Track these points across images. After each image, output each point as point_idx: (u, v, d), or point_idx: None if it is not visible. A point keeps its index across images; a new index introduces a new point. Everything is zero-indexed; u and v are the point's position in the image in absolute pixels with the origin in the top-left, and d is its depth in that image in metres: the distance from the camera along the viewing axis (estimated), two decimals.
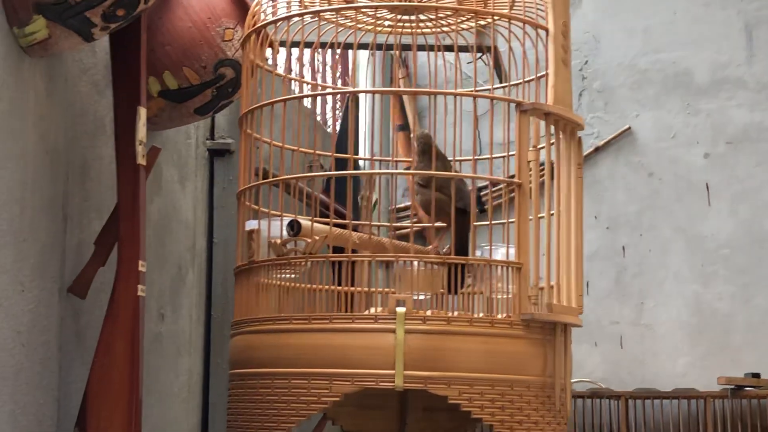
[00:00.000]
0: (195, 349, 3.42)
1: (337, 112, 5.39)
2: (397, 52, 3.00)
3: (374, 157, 4.13)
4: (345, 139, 4.28)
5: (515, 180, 2.35)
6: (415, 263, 2.51)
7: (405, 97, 5.57)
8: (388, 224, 3.13)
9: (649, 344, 5.91)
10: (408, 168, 3.22)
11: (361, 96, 4.74)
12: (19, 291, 2.35)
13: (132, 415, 2.41)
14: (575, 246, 2.43)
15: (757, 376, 5.34)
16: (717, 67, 6.08)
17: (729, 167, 5.97)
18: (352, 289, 2.50)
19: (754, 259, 5.82)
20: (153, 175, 3.08)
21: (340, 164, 3.36)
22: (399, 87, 5.23)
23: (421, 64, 5.53)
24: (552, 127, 2.42)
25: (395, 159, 3.94)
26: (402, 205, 5.71)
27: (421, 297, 2.50)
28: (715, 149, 6.01)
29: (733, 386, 5.28)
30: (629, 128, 6.13)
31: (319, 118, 5.06)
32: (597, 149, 6.12)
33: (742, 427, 5.32)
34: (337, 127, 5.14)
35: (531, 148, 2.34)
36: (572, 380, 5.67)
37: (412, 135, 5.30)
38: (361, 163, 4.45)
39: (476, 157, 2.56)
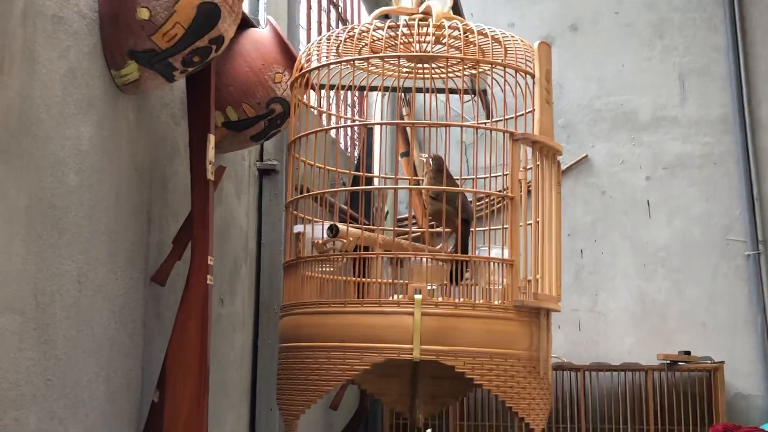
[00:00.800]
0: (246, 328, 3.40)
1: (355, 141, 5.37)
2: (402, 94, 2.98)
3: (383, 176, 4.13)
4: (363, 161, 4.27)
5: (509, 194, 2.35)
6: (425, 260, 2.52)
7: (407, 129, 5.56)
8: (392, 228, 3.11)
9: (602, 327, 5.90)
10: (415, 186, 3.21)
11: (376, 128, 4.73)
12: (114, 279, 2.34)
13: (201, 380, 2.39)
14: (555, 247, 2.43)
15: (688, 353, 5.34)
16: (656, 108, 6.09)
17: (666, 187, 5.97)
18: (377, 280, 2.49)
19: (686, 261, 5.82)
20: (216, 191, 3.08)
21: (362, 182, 3.36)
22: (406, 122, 5.21)
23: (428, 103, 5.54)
24: (537, 153, 2.41)
25: (398, 177, 3.92)
26: (403, 216, 5.70)
27: (431, 287, 2.50)
28: (655, 173, 6.01)
29: (669, 361, 5.28)
30: (586, 156, 6.13)
31: (342, 145, 5.05)
32: (561, 172, 6.10)
33: (675, 394, 5.31)
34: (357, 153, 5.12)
35: (521, 169, 2.34)
36: None
37: (416, 159, 5.30)
38: (376, 180, 4.44)
39: (477, 177, 2.56)
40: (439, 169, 2.56)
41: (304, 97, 2.69)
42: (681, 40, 6.10)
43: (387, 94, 4.40)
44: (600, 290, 5.96)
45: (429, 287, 2.46)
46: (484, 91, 3.35)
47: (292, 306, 2.41)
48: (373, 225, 2.93)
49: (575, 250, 6.03)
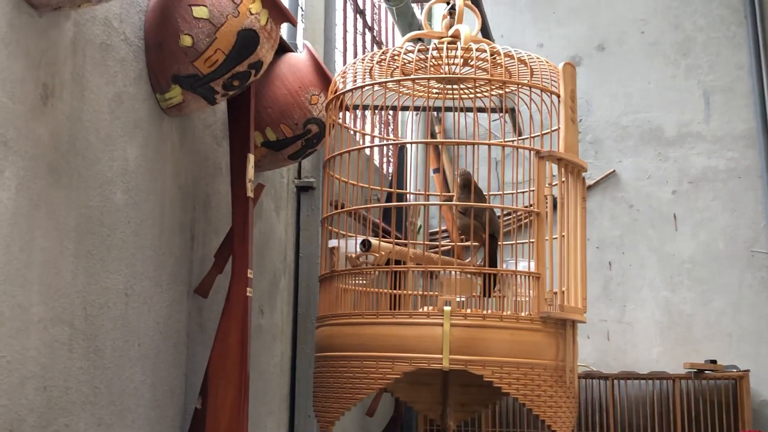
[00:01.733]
0: (285, 337, 3.42)
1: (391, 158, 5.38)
2: (434, 113, 2.98)
3: (416, 192, 4.13)
4: (395, 178, 4.28)
5: (535, 209, 2.34)
6: (454, 273, 2.52)
7: (439, 147, 5.56)
8: (424, 242, 3.11)
9: (630, 337, 5.84)
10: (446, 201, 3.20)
11: (409, 146, 4.73)
12: (159, 292, 2.36)
13: (241, 387, 2.40)
14: (580, 260, 2.42)
15: (713, 362, 5.27)
16: (681, 124, 6.03)
17: (691, 201, 5.91)
18: (409, 292, 2.49)
19: (711, 272, 5.74)
20: (256, 207, 3.10)
21: (395, 198, 3.37)
22: (433, 140, 5.21)
23: (456, 121, 5.55)
24: (562, 170, 2.40)
25: (429, 194, 3.92)
26: (435, 229, 5.70)
27: (461, 299, 2.49)
28: (681, 187, 5.95)
29: (695, 370, 5.21)
30: (614, 171, 6.08)
31: (377, 162, 5.06)
32: (589, 187, 6.07)
33: (702, 402, 5.23)
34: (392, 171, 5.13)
35: (546, 185, 2.33)
36: None
37: (448, 175, 5.30)
38: (411, 197, 4.44)
39: (504, 192, 2.56)
40: (466, 184, 2.56)
41: (339, 117, 2.70)
42: (705, 58, 6.04)
43: (419, 113, 4.41)
44: (628, 301, 5.90)
45: (458, 299, 2.46)
46: (513, 110, 3.34)
47: (328, 317, 2.42)
48: (406, 239, 2.91)
49: (603, 263, 5.98)
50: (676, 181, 5.96)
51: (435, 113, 4.93)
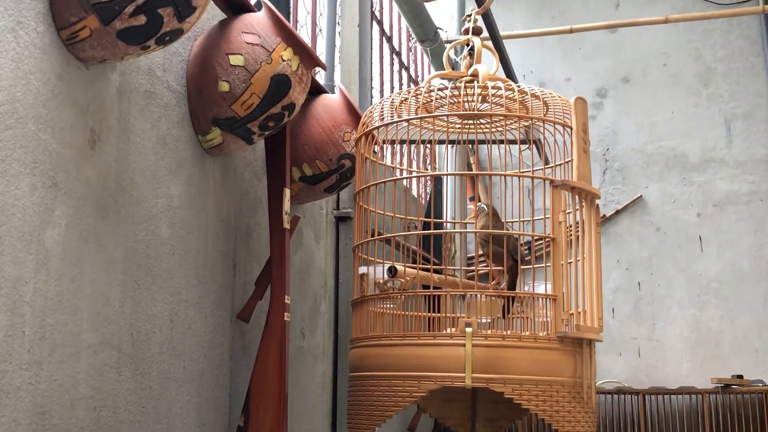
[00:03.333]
0: (326, 358, 3.43)
1: (428, 188, 5.39)
2: (470, 146, 2.99)
3: (452, 221, 4.13)
4: (431, 207, 4.29)
5: (551, 235, 2.33)
6: (479, 296, 2.52)
7: (475, 177, 5.56)
8: (460, 267, 3.11)
9: (660, 354, 5.75)
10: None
11: (445, 177, 4.74)
12: (203, 318, 2.40)
13: (281, 406, 2.42)
14: (596, 283, 2.38)
15: (740, 377, 5.17)
16: (705, 150, 5.96)
17: (716, 223, 5.82)
18: (434, 315, 2.49)
19: (737, 291, 5.65)
20: (296, 236, 3.13)
21: (430, 226, 3.38)
22: (471, 170, 5.22)
23: (486, 154, 5.55)
24: (576, 198, 2.39)
25: (464, 221, 3.92)
26: (471, 254, 5.68)
27: (485, 320, 2.49)
28: (705, 210, 5.87)
29: (723, 384, 5.11)
30: (641, 196, 6.02)
31: (415, 193, 5.07)
32: (617, 212, 6.02)
33: (730, 415, 5.12)
34: (427, 199, 5.15)
35: (561, 212, 2.32)
36: (602, 381, 5.56)
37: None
38: (449, 225, 4.44)
39: (522, 219, 2.56)
40: (492, 214, 2.55)
41: (368, 151, 2.72)
42: (725, 87, 5.98)
43: (455, 146, 4.41)
44: (657, 319, 5.82)
45: (484, 320, 2.45)
46: (536, 142, 3.33)
47: (359, 339, 2.43)
48: (442, 265, 2.92)
49: (633, 283, 5.91)
50: (700, 205, 5.89)
51: (470, 146, 4.94)
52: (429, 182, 5.17)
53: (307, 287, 3.25)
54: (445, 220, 4.52)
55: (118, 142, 2.04)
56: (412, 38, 5.52)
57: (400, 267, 2.43)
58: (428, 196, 5.04)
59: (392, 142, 2.69)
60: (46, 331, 1.73)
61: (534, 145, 3.38)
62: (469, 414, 2.79)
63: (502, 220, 2.60)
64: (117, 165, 2.03)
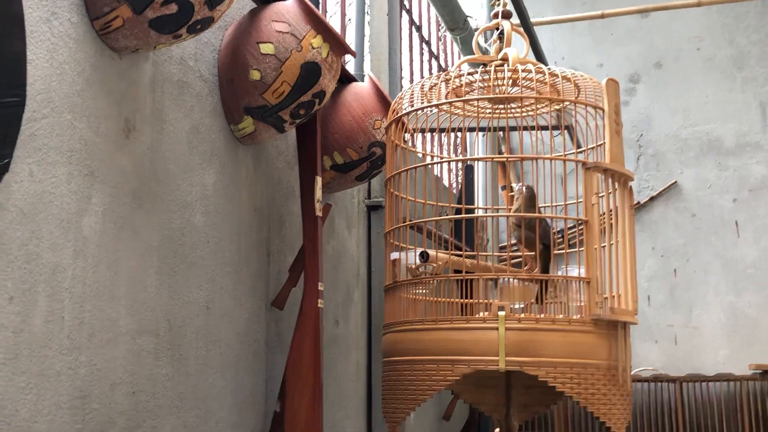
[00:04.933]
0: (360, 346, 3.45)
1: (459, 178, 5.39)
2: (500, 133, 2.97)
3: (484, 207, 4.12)
4: (463, 195, 4.28)
5: (584, 218, 2.32)
6: (513, 280, 2.51)
7: (507, 164, 5.54)
8: (492, 254, 3.10)
9: (697, 341, 5.70)
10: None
11: (476, 165, 4.72)
12: (238, 305, 2.42)
13: (315, 392, 2.44)
14: (630, 266, 2.36)
15: None
16: (740, 135, 5.89)
17: (752, 209, 5.75)
18: (467, 300, 2.49)
19: None
20: (329, 225, 3.15)
21: (461, 213, 3.37)
22: (502, 157, 5.19)
23: (518, 141, 5.51)
24: (609, 180, 2.37)
25: (496, 207, 3.91)
26: (504, 243, 5.66)
27: (519, 306, 2.48)
28: (741, 195, 5.81)
29: (760, 371, 5.06)
30: (676, 182, 5.97)
31: (446, 181, 5.07)
32: (652, 198, 5.97)
33: None
34: (458, 188, 5.14)
35: (594, 195, 2.31)
36: (638, 369, 5.52)
37: (510, 192, 5.28)
38: (479, 212, 4.43)
39: (555, 204, 2.55)
40: (527, 197, 2.54)
41: (403, 137, 2.72)
42: (760, 71, 5.90)
43: (485, 133, 4.40)
44: (694, 306, 5.77)
45: (518, 306, 2.44)
46: (567, 127, 3.32)
47: (392, 324, 2.43)
48: (474, 252, 2.91)
49: (669, 270, 5.87)
50: (736, 190, 5.82)
51: (500, 133, 4.93)
52: (460, 171, 5.16)
53: (339, 276, 3.27)
54: (476, 206, 4.50)
55: (152, 132, 2.06)
56: (442, 27, 5.51)
57: (432, 252, 2.43)
58: (459, 185, 5.03)
59: (422, 131, 2.69)
60: (85, 317, 1.76)
61: (566, 130, 3.36)
62: (503, 399, 2.77)
63: (538, 205, 2.58)
64: (151, 154, 2.05)
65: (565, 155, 2.60)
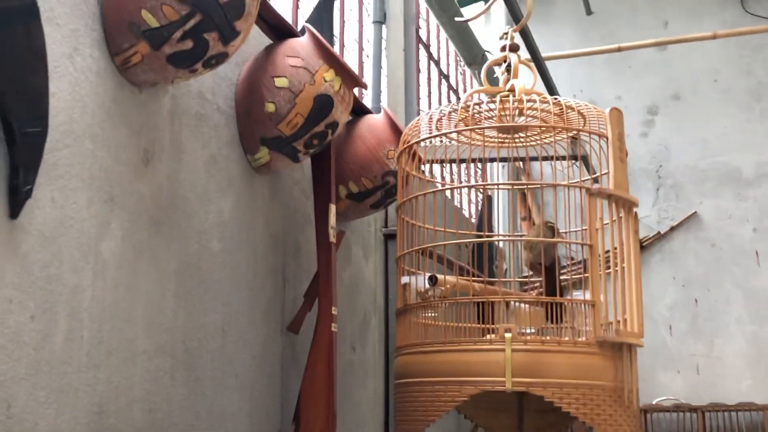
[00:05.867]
0: (378, 372, 3.49)
1: (478, 206, 5.43)
2: (519, 163, 3.01)
3: (503, 235, 4.15)
4: (483, 221, 4.32)
5: (588, 243, 2.36)
6: (523, 305, 2.56)
7: (528, 196, 5.59)
8: (510, 279, 3.13)
9: (719, 370, 5.66)
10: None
11: (495, 195, 4.76)
12: (254, 329, 2.48)
13: (329, 413, 2.48)
14: (635, 289, 2.39)
15: None
16: (759, 165, 5.90)
17: None
18: (475, 325, 2.52)
19: None
20: (345, 253, 3.21)
21: (483, 244, 3.41)
22: (519, 188, 5.25)
23: (538, 171, 5.55)
24: (614, 206, 2.41)
25: (512, 237, 3.94)
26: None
27: (529, 330, 2.51)
28: (761, 225, 5.80)
29: None
30: (695, 212, 5.98)
31: (467, 212, 5.11)
32: (672, 228, 5.98)
33: None
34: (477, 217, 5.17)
35: (598, 220, 2.35)
36: (661, 398, 5.48)
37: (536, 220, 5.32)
38: (501, 244, 4.47)
39: (570, 231, 2.59)
40: (543, 225, 2.58)
41: (419, 167, 2.78)
42: None
43: (505, 164, 4.44)
44: (716, 336, 5.74)
45: (528, 330, 2.48)
46: (584, 157, 3.36)
47: (403, 348, 2.48)
48: (487, 278, 2.94)
49: (690, 300, 5.85)
50: (756, 219, 5.82)
51: (520, 163, 4.98)
52: (481, 202, 5.20)
53: (356, 303, 3.32)
54: (497, 234, 4.53)
55: (170, 161, 2.15)
56: (461, 62, 5.60)
57: (440, 276, 2.48)
58: (479, 213, 5.06)
59: (440, 162, 2.74)
60: (104, 336, 1.84)
61: (580, 159, 3.41)
62: (516, 423, 2.81)
63: (559, 235, 2.62)
64: (169, 183, 2.13)
65: (582, 182, 2.65)
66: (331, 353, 2.53)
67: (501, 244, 4.10)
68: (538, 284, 2.93)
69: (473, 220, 5.23)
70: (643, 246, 5.79)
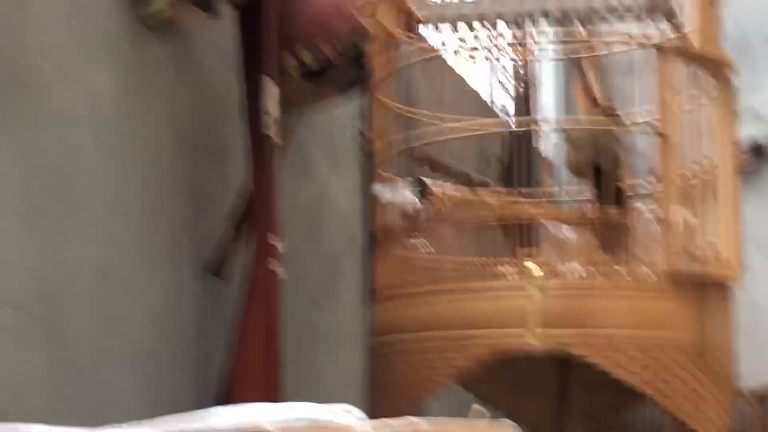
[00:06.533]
0: (356, 341, 3.41)
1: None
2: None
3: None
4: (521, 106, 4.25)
5: (658, 128, 2.32)
6: (567, 232, 2.53)
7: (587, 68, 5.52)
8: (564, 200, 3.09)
9: None
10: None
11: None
12: (152, 271, 2.44)
13: (271, 395, 2.44)
14: (731, 204, 2.36)
15: None
16: None
17: None
18: (486, 260, 2.51)
19: None
20: (302, 163, 3.17)
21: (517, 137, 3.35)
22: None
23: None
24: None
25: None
26: None
27: (578, 267, 2.49)
28: None
29: None
30: None
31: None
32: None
33: None
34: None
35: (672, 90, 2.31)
36: None
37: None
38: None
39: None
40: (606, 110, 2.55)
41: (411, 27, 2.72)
42: None
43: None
44: None
45: (574, 266, 2.46)
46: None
47: (382, 293, 2.48)
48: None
49: None
50: None
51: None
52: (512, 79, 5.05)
53: (321, 239, 3.29)
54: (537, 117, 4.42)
55: (10, 12, 2.07)
56: None
57: (430, 182, 2.42)
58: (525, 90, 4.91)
59: (451, 22, 2.68)
60: None
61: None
62: (555, 406, 2.80)
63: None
64: (9, 44, 2.06)
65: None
66: (272, 306, 2.50)
67: (545, 144, 3.99)
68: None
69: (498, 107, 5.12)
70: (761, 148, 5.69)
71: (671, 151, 2.31)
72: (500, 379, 2.67)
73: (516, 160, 3.59)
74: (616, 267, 2.45)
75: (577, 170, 2.53)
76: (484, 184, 3.33)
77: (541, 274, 2.23)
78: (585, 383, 2.77)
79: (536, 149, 4.25)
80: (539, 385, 2.81)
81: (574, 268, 2.48)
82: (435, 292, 2.33)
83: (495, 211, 2.55)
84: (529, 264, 2.22)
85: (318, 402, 3.07)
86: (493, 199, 2.63)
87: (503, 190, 3.31)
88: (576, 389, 2.79)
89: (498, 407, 2.82)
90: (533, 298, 2.19)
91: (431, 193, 2.42)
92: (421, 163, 3.02)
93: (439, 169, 2.91)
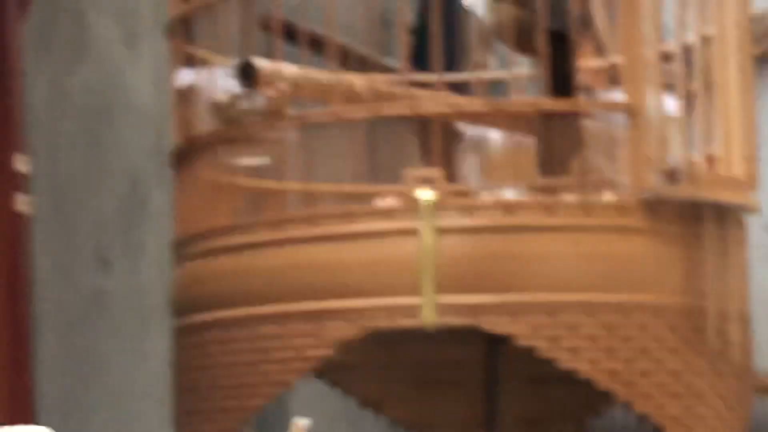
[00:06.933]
0: (162, 316, 3.43)
1: None
2: None
3: None
4: None
5: None
6: (494, 136, 2.55)
7: None
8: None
9: None
10: None
11: None
12: None
13: (19, 397, 2.49)
14: (740, 88, 2.35)
15: None
16: None
17: None
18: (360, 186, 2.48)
19: None
20: (76, 35, 3.17)
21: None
22: None
23: None
24: None
25: None
26: None
27: (509, 190, 2.53)
28: None
29: None
30: None
31: None
32: None
33: None
34: None
35: None
36: None
37: None
38: None
39: None
40: None
41: None
42: None
43: None
44: None
45: (500, 190, 2.50)
46: None
47: (189, 240, 2.44)
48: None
49: None
50: None
51: None
52: None
53: (107, 157, 3.30)
54: None
55: None
56: None
57: (264, 63, 2.37)
58: None
59: None
60: None
61: None
62: (480, 411, 2.80)
63: None
64: None
65: None
66: (15, 260, 2.51)
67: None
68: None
69: None
70: None
71: (636, 14, 2.29)
72: (394, 375, 2.65)
73: (432, 26, 3.59)
74: (564, 193, 2.40)
75: (515, 40, 2.53)
76: (382, 67, 3.32)
77: (436, 205, 2.18)
78: (523, 377, 2.78)
79: (464, 9, 4.30)
80: (456, 381, 2.81)
81: (501, 194, 2.47)
82: (271, 242, 2.28)
83: (367, 104, 2.49)
84: (422, 191, 2.15)
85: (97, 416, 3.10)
86: (368, 85, 2.57)
87: (410, 73, 3.31)
88: (512, 385, 2.78)
89: (396, 416, 2.84)
90: (426, 247, 2.14)
91: (258, 75, 2.37)
92: (270, 32, 2.99)
93: (300, 40, 2.89)
